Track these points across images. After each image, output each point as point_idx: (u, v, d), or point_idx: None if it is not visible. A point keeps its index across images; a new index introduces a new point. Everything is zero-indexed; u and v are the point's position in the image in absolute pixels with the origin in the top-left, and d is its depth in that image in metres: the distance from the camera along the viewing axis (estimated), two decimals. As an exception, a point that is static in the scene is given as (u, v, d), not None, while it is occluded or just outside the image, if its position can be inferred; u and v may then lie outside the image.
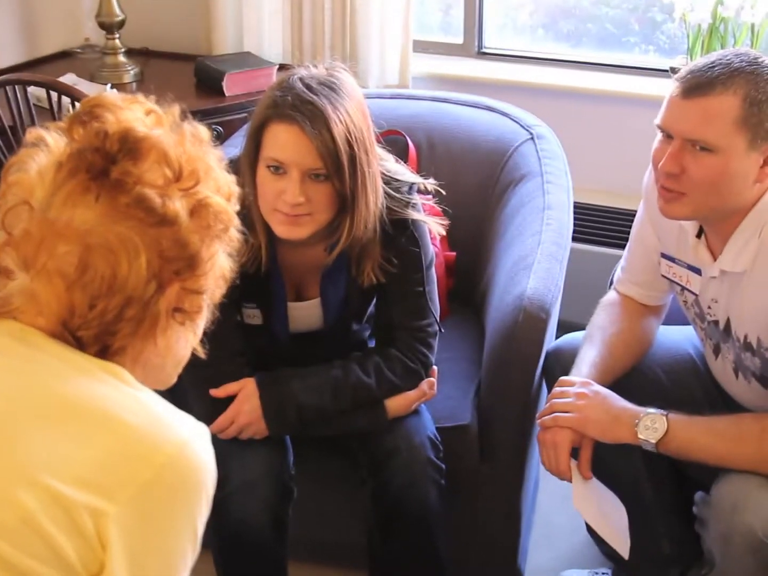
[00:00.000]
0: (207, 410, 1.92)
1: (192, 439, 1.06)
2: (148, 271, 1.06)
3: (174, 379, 1.21)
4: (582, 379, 1.93)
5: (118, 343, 1.09)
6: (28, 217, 1.07)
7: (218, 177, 1.15)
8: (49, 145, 1.10)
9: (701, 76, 1.72)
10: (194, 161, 1.12)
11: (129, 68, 3.27)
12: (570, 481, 1.91)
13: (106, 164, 1.07)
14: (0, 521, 0.99)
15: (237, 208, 1.17)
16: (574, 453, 1.91)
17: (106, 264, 1.05)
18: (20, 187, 1.09)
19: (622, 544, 1.96)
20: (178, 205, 1.08)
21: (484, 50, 3.42)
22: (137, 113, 1.13)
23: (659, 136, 1.80)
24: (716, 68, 1.71)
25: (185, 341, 1.17)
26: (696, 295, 1.94)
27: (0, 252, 1.09)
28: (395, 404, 2.00)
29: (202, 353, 1.21)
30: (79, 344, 1.09)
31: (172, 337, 1.14)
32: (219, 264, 1.15)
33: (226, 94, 3.07)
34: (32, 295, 1.08)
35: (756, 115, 1.70)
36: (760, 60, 1.74)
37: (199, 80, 3.21)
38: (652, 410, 1.84)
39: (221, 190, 1.15)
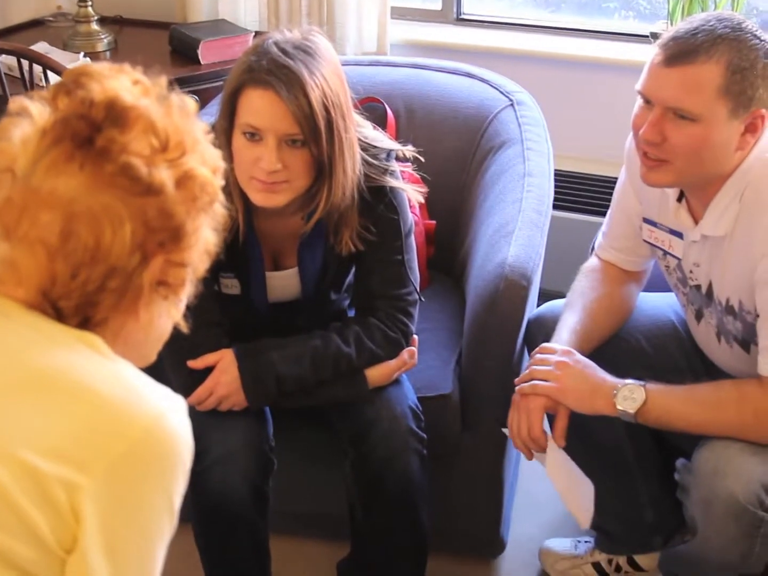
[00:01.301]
0: (185, 382, 1.90)
1: (168, 412, 1.05)
2: (132, 241, 1.05)
3: (154, 356, 1.19)
4: (563, 348, 1.92)
5: (100, 315, 1.08)
6: (10, 185, 1.05)
7: (204, 150, 1.13)
8: (32, 115, 1.08)
9: (684, 43, 1.69)
10: (181, 133, 1.10)
11: (102, 36, 3.22)
12: (535, 450, 1.91)
13: (92, 132, 1.05)
14: None
15: (222, 182, 1.16)
16: (551, 421, 1.91)
17: (89, 232, 1.03)
18: (3, 155, 1.07)
19: (584, 514, 1.96)
20: (165, 175, 1.06)
21: (463, 16, 3.39)
22: (124, 83, 1.11)
23: (639, 101, 1.78)
24: (699, 35, 1.69)
25: (167, 317, 1.15)
26: (679, 259, 1.93)
27: None
28: (376, 374, 1.99)
29: (185, 328, 1.19)
30: (60, 315, 1.07)
31: (154, 312, 1.12)
32: (204, 238, 1.13)
33: (202, 62, 3.03)
34: (13, 264, 1.06)
35: (738, 83, 1.68)
36: (743, 25, 1.71)
37: (173, 48, 3.17)
38: (630, 381, 1.84)
39: (207, 163, 1.13)
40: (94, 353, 1.07)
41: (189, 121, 1.12)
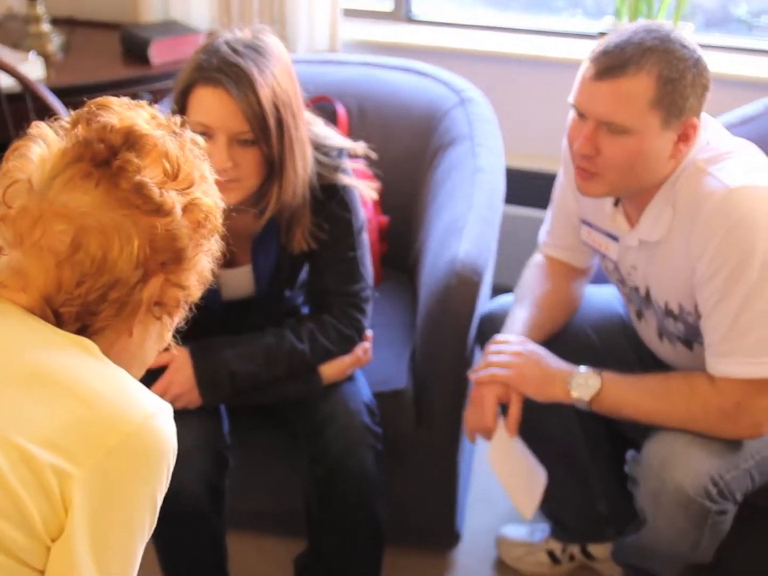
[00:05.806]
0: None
1: (157, 413, 1.10)
2: (137, 257, 1.11)
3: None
4: (519, 337, 1.95)
5: (98, 324, 1.13)
6: (27, 195, 1.11)
7: (209, 187, 1.21)
8: (49, 141, 1.14)
9: (614, 56, 1.69)
10: (191, 166, 1.17)
11: (53, 37, 3.19)
12: (484, 438, 1.94)
13: (109, 155, 1.11)
14: None
15: (221, 221, 1.22)
16: (504, 411, 1.93)
17: (98, 245, 1.09)
18: (21, 169, 1.13)
19: (527, 504, 1.99)
20: (175, 199, 1.13)
21: (413, 16, 3.41)
22: (141, 115, 1.18)
23: (573, 113, 1.78)
24: (628, 48, 1.68)
25: (157, 340, 1.22)
26: (615, 261, 1.96)
27: None
28: (330, 370, 2.01)
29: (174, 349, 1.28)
30: (59, 321, 1.12)
31: (146, 332, 1.19)
32: (201, 265, 1.20)
33: (153, 62, 3.02)
34: (20, 270, 1.11)
35: (669, 94, 1.68)
36: (672, 36, 1.70)
37: (125, 49, 3.15)
38: (585, 368, 1.87)
39: (210, 197, 1.20)
40: (89, 356, 1.11)
41: (199, 159, 1.20)
